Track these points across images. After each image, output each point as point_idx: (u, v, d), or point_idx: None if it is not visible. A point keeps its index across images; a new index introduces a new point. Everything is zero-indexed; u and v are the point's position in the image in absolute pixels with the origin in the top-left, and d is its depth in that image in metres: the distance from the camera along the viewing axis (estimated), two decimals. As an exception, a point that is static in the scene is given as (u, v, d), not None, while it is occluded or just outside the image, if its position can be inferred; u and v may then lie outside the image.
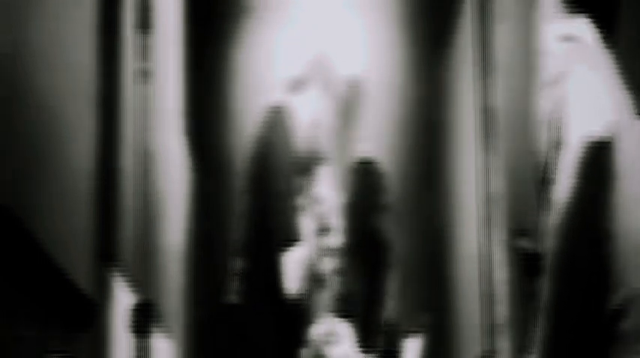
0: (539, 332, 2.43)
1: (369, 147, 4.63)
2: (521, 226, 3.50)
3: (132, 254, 3.10)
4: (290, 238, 3.61)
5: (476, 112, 4.24)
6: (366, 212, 4.58)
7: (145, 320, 2.99)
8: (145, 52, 3.24)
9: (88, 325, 2.59)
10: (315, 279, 3.73)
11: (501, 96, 3.90)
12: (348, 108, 4.59)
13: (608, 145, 2.38)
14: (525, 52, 3.59)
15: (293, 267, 3.59)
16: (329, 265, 3.85)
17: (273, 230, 3.64)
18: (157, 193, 3.70)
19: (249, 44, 5.09)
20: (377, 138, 5.05)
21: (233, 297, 3.67)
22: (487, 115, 4.04)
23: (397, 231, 4.85)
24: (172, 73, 4.24)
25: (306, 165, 3.75)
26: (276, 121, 3.70)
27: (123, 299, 2.92)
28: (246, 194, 3.74)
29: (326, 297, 3.88)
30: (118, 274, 2.88)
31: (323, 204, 3.80)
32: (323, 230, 3.77)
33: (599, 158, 2.39)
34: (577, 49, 2.52)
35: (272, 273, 3.58)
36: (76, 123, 2.54)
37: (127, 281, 3.00)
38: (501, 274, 3.83)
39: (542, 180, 2.57)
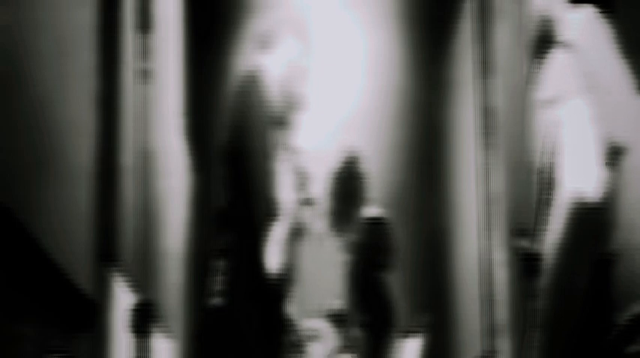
0: (538, 347, 2.44)
1: (378, 209, 4.64)
2: (521, 226, 3.50)
3: (132, 254, 3.10)
4: (270, 212, 3.59)
5: (476, 112, 4.24)
6: (371, 270, 4.58)
7: (145, 320, 2.99)
8: (145, 52, 3.24)
9: (88, 325, 2.59)
10: (296, 229, 3.71)
11: (501, 96, 3.90)
12: (349, 183, 4.63)
13: (598, 209, 2.39)
14: (525, 51, 3.59)
15: (275, 245, 3.57)
16: (309, 215, 3.82)
17: (255, 204, 3.61)
18: (157, 193, 3.70)
19: (250, 44, 5.09)
20: (378, 137, 5.06)
21: (217, 300, 3.66)
22: (487, 115, 4.04)
23: (397, 230, 4.85)
24: (172, 73, 4.24)
25: (282, 117, 3.72)
26: (249, 86, 3.67)
27: (123, 299, 2.92)
28: (226, 164, 3.71)
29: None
30: (118, 274, 2.88)
31: (301, 155, 3.77)
32: (303, 182, 3.74)
33: (589, 219, 2.40)
34: (576, 63, 2.51)
35: (255, 252, 3.56)
36: (76, 123, 2.54)
37: (127, 281, 3.00)
38: (501, 274, 3.83)
39: (537, 208, 2.60)
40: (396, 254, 4.60)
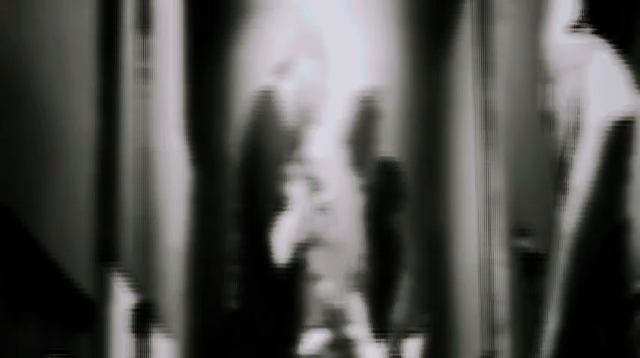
0: (551, 324, 2.42)
1: (390, 149, 4.64)
2: (521, 226, 3.50)
3: (132, 254, 3.10)
4: (280, 206, 3.61)
5: (476, 112, 4.24)
6: (385, 212, 4.59)
7: (145, 320, 2.99)
8: (145, 52, 3.24)
9: (88, 325, 2.59)
10: (309, 239, 3.72)
11: (501, 96, 3.90)
12: (365, 120, 4.60)
13: (629, 124, 2.38)
14: (526, 51, 3.59)
15: (285, 235, 3.59)
16: (322, 223, 3.84)
17: (265, 201, 3.64)
18: (157, 193, 3.70)
19: (250, 44, 5.09)
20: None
21: (231, 301, 3.66)
22: (487, 115, 4.04)
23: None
24: (172, 73, 4.24)
25: (296, 133, 3.75)
26: (265, 105, 3.70)
27: (123, 299, 2.92)
28: (238, 174, 3.74)
29: (319, 260, 3.87)
30: (118, 274, 2.88)
31: (313, 165, 3.79)
32: (315, 189, 3.75)
33: (621, 136, 2.39)
34: (593, 42, 2.53)
35: (265, 245, 3.58)
36: (76, 123, 2.54)
37: (127, 281, 3.00)
38: (501, 274, 3.83)
39: (559, 166, 2.56)
40: (406, 197, 4.62)
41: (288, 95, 3.72)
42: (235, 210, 3.74)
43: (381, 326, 4.44)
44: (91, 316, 2.61)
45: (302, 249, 3.70)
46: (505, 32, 3.85)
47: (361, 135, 4.58)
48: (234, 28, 5.13)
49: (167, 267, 4.07)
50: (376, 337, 4.41)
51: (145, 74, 3.23)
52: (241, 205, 3.73)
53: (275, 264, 3.59)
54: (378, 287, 4.48)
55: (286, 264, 3.61)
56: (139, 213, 3.20)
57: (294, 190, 3.63)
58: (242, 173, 3.71)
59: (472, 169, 4.36)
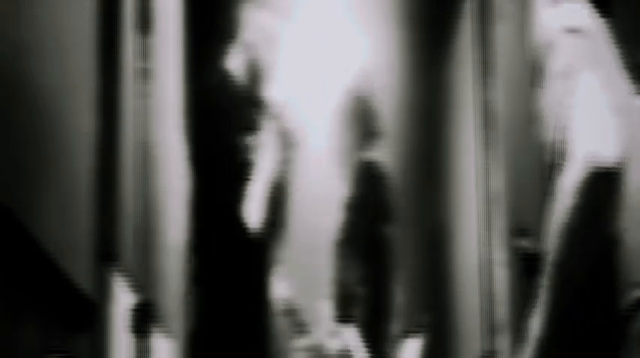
0: (539, 335, 2.42)
1: (377, 152, 4.61)
2: (521, 226, 3.50)
3: (132, 254, 3.10)
4: (244, 177, 3.58)
5: (476, 112, 4.24)
6: (371, 215, 4.56)
7: (145, 320, 2.99)
8: (145, 52, 3.24)
9: (88, 325, 2.59)
10: (280, 187, 3.69)
11: (501, 96, 3.90)
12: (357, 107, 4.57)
13: (613, 175, 2.36)
14: (525, 51, 3.59)
15: (253, 204, 3.56)
16: (291, 179, 3.80)
17: (231, 171, 3.60)
18: (157, 193, 3.70)
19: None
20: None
21: (194, 324, 3.64)
22: (487, 115, 4.04)
23: (398, 231, 4.85)
24: (172, 73, 4.24)
25: (253, 85, 3.71)
26: (217, 70, 3.67)
27: (123, 299, 2.92)
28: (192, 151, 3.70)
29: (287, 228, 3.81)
30: (118, 274, 2.88)
31: (277, 107, 3.75)
32: (287, 142, 3.72)
33: (602, 187, 2.36)
34: (583, 45, 2.51)
35: (233, 214, 3.55)
36: (76, 123, 2.54)
37: (127, 281, 3.00)
38: (501, 274, 3.83)
39: (548, 185, 2.56)
40: (395, 208, 4.56)
41: (238, 60, 3.66)
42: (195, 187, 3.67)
43: (375, 338, 4.44)
44: (91, 316, 2.61)
45: (273, 216, 3.65)
46: (505, 32, 3.85)
47: (355, 121, 4.53)
48: (235, 28, 5.12)
49: (167, 267, 4.07)
50: (369, 348, 4.41)
51: (145, 74, 3.23)
52: (202, 182, 3.66)
53: (245, 240, 3.53)
54: (370, 302, 4.46)
55: (257, 234, 3.55)
56: (139, 212, 3.20)
57: (260, 155, 3.58)
58: (197, 146, 3.65)
59: (472, 169, 4.36)
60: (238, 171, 3.53)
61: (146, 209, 3.32)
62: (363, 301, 4.43)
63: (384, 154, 5.01)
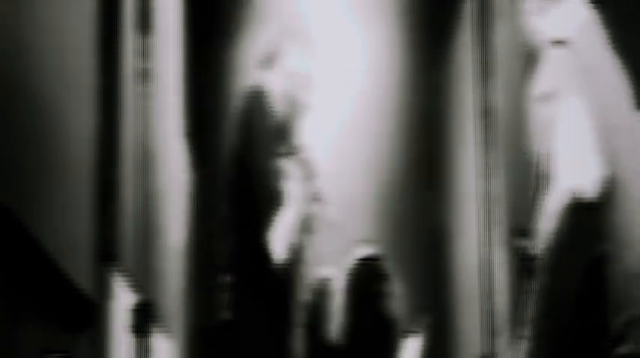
0: (532, 342, 2.43)
1: (371, 248, 4.62)
2: (521, 226, 3.50)
3: (132, 254, 3.10)
4: (276, 203, 3.60)
5: (476, 113, 4.24)
6: (370, 301, 4.57)
7: (145, 320, 2.99)
8: (145, 52, 3.24)
9: (88, 325, 2.59)
10: (304, 228, 3.71)
11: (501, 96, 3.90)
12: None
13: (594, 207, 2.37)
14: (525, 52, 3.59)
15: (282, 232, 3.58)
16: (317, 211, 3.83)
17: (259, 201, 3.63)
18: (157, 193, 3.70)
19: (251, 44, 5.09)
20: (377, 137, 5.06)
21: (225, 313, 3.66)
22: (487, 116, 4.04)
23: (397, 230, 4.85)
24: (172, 73, 4.24)
25: (286, 124, 3.73)
26: (254, 101, 3.70)
27: (123, 299, 2.92)
28: (231, 173, 3.73)
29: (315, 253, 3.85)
30: (118, 274, 2.88)
31: (307, 151, 3.79)
32: (309, 177, 3.75)
33: (582, 217, 2.38)
34: (570, 59, 2.51)
35: (261, 246, 3.57)
36: (76, 123, 2.54)
37: (127, 281, 3.00)
38: (501, 274, 3.83)
39: (533, 201, 2.58)
40: (393, 289, 4.57)
41: (277, 86, 3.71)
42: (228, 213, 3.73)
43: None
44: (91, 316, 2.61)
45: (299, 247, 3.70)
46: (505, 32, 3.85)
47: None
48: (235, 27, 5.13)
49: (167, 267, 4.07)
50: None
51: (145, 74, 3.23)
52: (235, 208, 3.73)
53: (271, 269, 3.59)
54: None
55: (284, 264, 3.60)
56: (139, 212, 3.20)
57: (289, 184, 3.63)
58: (235, 171, 3.70)
59: (472, 169, 4.36)
60: (269, 197, 3.59)
61: (146, 209, 3.32)
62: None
63: (385, 155, 5.01)
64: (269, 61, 3.78)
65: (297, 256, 3.65)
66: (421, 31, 5.20)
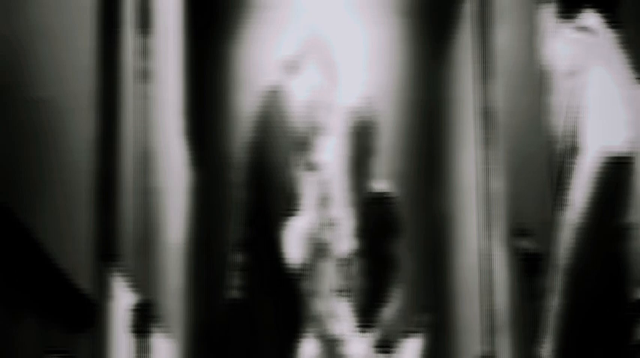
0: (553, 330, 2.42)
1: (384, 184, 4.64)
2: (521, 226, 3.50)
3: (132, 253, 3.10)
4: (290, 209, 3.61)
5: (476, 112, 4.24)
6: (378, 235, 4.59)
7: (145, 320, 2.99)
8: (145, 52, 3.24)
9: (88, 325, 2.59)
10: (317, 249, 3.73)
11: (501, 96, 3.90)
12: (360, 144, 4.61)
13: (626, 163, 2.36)
14: (525, 52, 3.59)
15: (295, 238, 3.59)
16: (331, 234, 3.84)
17: (274, 202, 3.64)
18: (156, 193, 3.70)
19: (250, 44, 5.09)
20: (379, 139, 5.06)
21: (235, 292, 3.66)
22: (487, 115, 4.04)
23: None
24: (172, 73, 4.24)
25: (305, 139, 3.75)
26: (272, 103, 3.71)
27: (123, 299, 2.92)
28: (246, 173, 3.74)
29: (328, 268, 3.88)
30: (118, 274, 2.88)
31: (323, 173, 3.80)
32: (324, 198, 3.76)
33: (617, 175, 2.37)
34: (593, 43, 2.52)
35: (274, 246, 3.58)
36: (76, 123, 2.54)
37: (127, 281, 3.00)
38: (501, 274, 3.83)
39: (557, 180, 2.56)
40: (402, 229, 4.60)
41: (296, 92, 3.72)
42: (244, 200, 3.72)
43: (368, 325, 4.46)
44: (91, 316, 2.61)
45: (310, 257, 3.71)
46: (505, 32, 3.85)
47: (356, 165, 4.58)
48: (234, 27, 5.13)
49: (167, 267, 4.07)
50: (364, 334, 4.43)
51: (145, 74, 3.23)
52: (251, 197, 3.72)
53: (284, 259, 3.58)
54: (369, 299, 4.49)
55: (295, 266, 3.61)
56: (139, 212, 3.20)
57: (306, 193, 3.64)
58: (252, 166, 3.71)
59: (472, 169, 4.36)
60: (288, 201, 3.61)
61: (146, 209, 3.32)
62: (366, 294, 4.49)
63: (383, 154, 5.01)
64: (291, 65, 3.79)
65: (307, 267, 3.66)
66: (421, 30, 5.20)
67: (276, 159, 3.65)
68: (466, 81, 4.51)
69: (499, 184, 3.91)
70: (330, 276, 3.89)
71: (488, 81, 4.03)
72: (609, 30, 2.55)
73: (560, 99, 2.54)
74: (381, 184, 4.62)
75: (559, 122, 2.53)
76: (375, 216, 4.58)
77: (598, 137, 2.39)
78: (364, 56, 5.15)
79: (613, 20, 2.58)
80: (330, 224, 3.83)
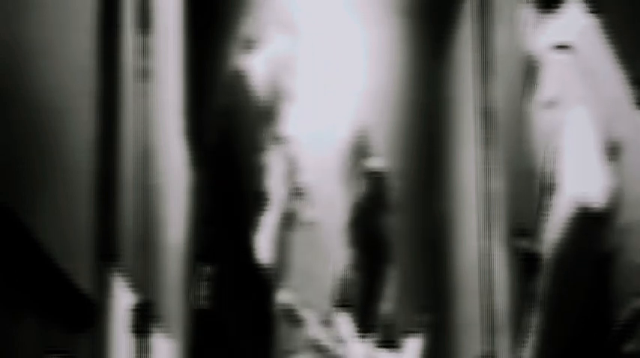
0: (536, 345, 2.43)
1: (381, 161, 4.65)
2: (521, 226, 3.50)
3: (132, 254, 3.09)
4: (260, 202, 3.59)
5: (476, 112, 4.24)
6: (372, 213, 4.60)
7: (145, 320, 2.99)
8: (145, 51, 3.24)
9: (88, 325, 2.59)
10: (286, 218, 3.71)
11: (501, 96, 3.90)
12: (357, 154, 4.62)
13: (600, 217, 2.36)
14: (525, 53, 3.59)
15: (265, 233, 3.58)
16: (300, 205, 3.83)
17: (244, 195, 3.62)
18: (157, 193, 3.70)
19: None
20: (377, 137, 5.06)
21: (203, 303, 3.65)
22: (487, 115, 4.04)
23: (397, 231, 4.85)
24: (172, 73, 4.24)
25: (270, 109, 3.72)
26: (235, 86, 3.68)
27: (123, 299, 2.92)
28: (213, 157, 3.71)
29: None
30: (118, 274, 2.88)
31: (291, 144, 3.78)
32: (292, 172, 3.74)
33: (590, 227, 2.38)
34: (574, 65, 2.50)
35: (244, 241, 3.56)
36: (76, 123, 2.54)
37: (127, 281, 3.00)
38: (501, 274, 3.82)
39: (536, 214, 2.58)
40: (396, 204, 4.63)
41: (260, 72, 3.69)
42: (210, 203, 3.70)
43: (367, 325, 4.46)
44: (91, 316, 2.61)
45: (280, 227, 3.68)
46: (505, 32, 3.85)
47: (353, 172, 4.60)
48: (235, 27, 5.12)
49: (167, 267, 4.07)
50: (362, 335, 4.43)
51: (145, 74, 3.23)
52: (217, 198, 3.70)
53: (255, 263, 3.57)
54: (363, 290, 4.49)
55: (267, 265, 3.59)
56: (139, 212, 3.20)
57: (273, 182, 3.62)
58: (217, 162, 3.68)
59: (472, 169, 4.36)
60: (253, 195, 3.58)
61: (146, 208, 3.32)
62: (359, 286, 4.50)
63: (384, 155, 5.02)
64: (250, 45, 3.75)
65: (281, 259, 3.64)
66: (421, 30, 5.20)
67: (242, 149, 3.62)
68: (466, 81, 4.51)
69: (499, 184, 3.91)
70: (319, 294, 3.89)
71: (488, 81, 4.03)
72: (592, 15, 2.54)
73: (540, 132, 2.54)
74: (376, 161, 4.63)
75: (539, 154, 2.53)
76: (368, 193, 4.60)
77: (573, 186, 2.38)
78: (364, 56, 5.15)
79: (596, 6, 2.57)
80: (298, 193, 3.81)
